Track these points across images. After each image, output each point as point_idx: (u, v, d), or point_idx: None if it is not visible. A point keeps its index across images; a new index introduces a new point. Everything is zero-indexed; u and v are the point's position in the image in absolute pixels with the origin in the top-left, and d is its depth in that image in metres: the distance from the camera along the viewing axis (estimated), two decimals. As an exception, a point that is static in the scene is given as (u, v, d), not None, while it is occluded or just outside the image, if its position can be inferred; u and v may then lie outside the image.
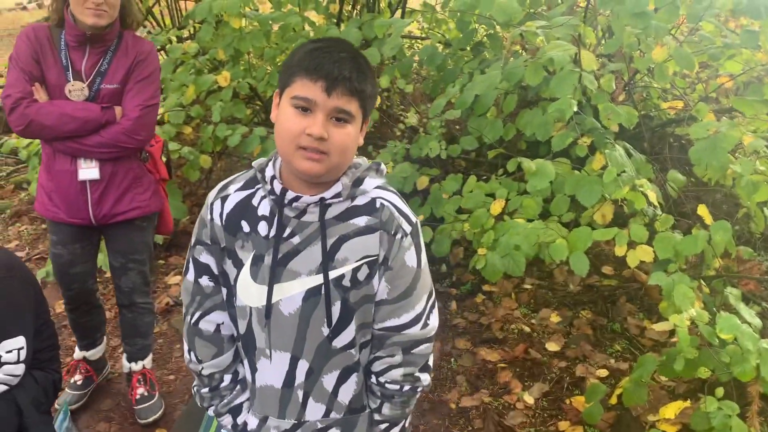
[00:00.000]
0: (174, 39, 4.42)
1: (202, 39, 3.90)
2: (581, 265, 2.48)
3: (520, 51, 3.41)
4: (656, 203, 2.44)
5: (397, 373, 1.33)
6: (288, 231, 1.24)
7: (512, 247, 2.61)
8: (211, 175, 4.43)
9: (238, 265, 1.28)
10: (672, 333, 2.75)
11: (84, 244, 2.46)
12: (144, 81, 2.29)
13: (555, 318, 3.21)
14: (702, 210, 2.55)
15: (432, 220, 3.15)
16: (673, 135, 3.52)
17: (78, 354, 2.75)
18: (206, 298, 1.34)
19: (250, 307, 1.29)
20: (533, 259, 3.50)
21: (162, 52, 4.32)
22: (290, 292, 1.25)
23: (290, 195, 1.22)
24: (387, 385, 1.35)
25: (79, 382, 2.73)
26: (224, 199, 1.29)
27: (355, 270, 1.24)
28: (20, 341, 1.84)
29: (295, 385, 1.32)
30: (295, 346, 1.29)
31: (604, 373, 2.80)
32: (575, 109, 2.55)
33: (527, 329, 3.17)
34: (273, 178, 1.25)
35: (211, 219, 1.29)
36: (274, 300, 1.26)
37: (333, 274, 1.23)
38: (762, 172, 2.26)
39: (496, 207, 2.77)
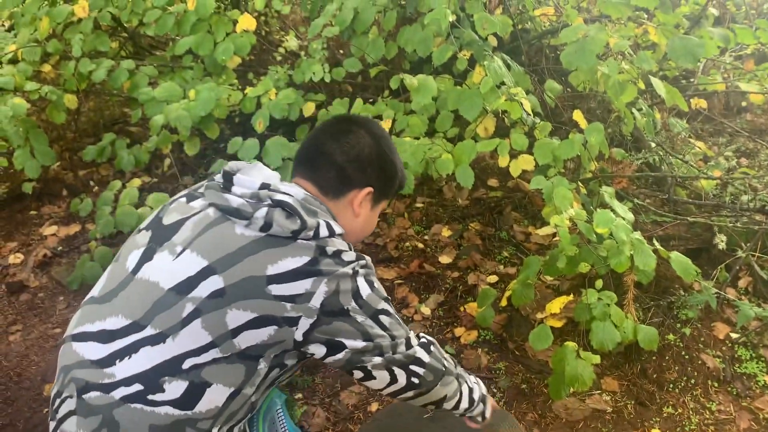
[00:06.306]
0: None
1: (51, -36, 3.53)
2: (467, 177, 2.53)
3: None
4: (530, 111, 2.50)
5: None
6: None
7: (401, 166, 2.61)
8: (80, 117, 4.11)
9: None
10: (554, 236, 2.90)
11: None
12: None
13: (446, 232, 3.28)
14: (577, 115, 2.65)
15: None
16: (549, 46, 3.59)
17: None
18: None
19: None
20: (423, 178, 3.56)
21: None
22: None
23: None
24: None
25: None
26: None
27: None
28: None
29: None
30: None
31: (494, 279, 2.92)
32: (451, 19, 2.53)
33: (420, 245, 3.23)
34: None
35: None
36: None
37: None
38: (627, 71, 2.35)
39: (384, 127, 2.75)
